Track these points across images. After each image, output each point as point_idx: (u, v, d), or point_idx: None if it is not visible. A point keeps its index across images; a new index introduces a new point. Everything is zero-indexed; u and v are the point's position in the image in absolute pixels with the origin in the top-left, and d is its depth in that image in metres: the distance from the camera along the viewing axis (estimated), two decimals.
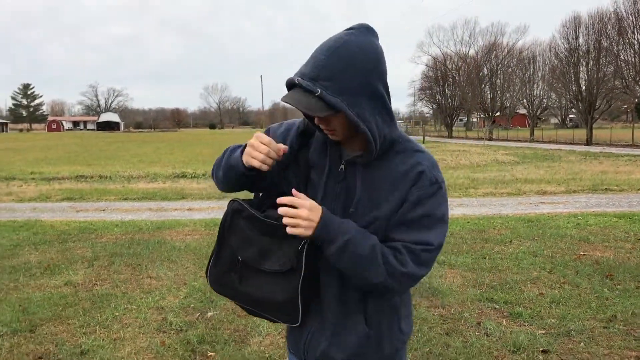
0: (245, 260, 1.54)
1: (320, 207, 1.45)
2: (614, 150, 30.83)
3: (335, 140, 1.56)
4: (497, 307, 4.69)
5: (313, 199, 1.47)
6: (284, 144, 1.56)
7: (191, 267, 6.10)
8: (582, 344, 3.89)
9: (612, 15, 36.05)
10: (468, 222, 8.73)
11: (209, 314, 4.58)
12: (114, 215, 10.19)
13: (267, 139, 1.46)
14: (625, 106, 55.60)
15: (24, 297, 5.09)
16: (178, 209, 11.02)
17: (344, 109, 1.37)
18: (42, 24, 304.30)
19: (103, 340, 4.05)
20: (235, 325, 4.32)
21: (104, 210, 11.00)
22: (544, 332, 4.12)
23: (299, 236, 1.42)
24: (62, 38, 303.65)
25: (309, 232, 1.41)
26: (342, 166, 1.56)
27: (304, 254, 1.45)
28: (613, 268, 5.81)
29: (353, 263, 1.44)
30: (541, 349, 3.80)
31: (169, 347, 3.91)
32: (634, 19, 33.75)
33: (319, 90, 1.36)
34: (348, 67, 1.38)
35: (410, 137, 1.60)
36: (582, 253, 6.54)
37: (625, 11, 34.53)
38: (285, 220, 1.42)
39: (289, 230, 1.41)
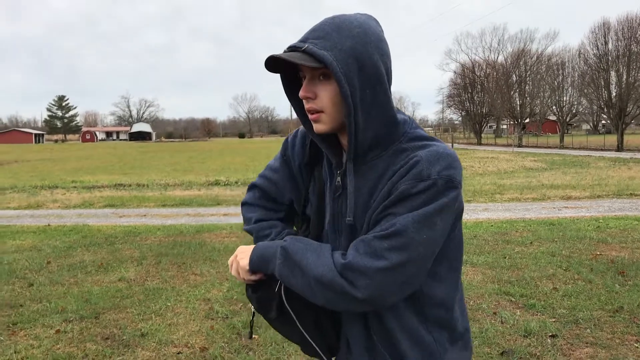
0: (258, 309, 1.52)
1: (250, 246, 1.45)
2: None
3: (330, 150, 1.42)
4: (513, 299, 5.11)
5: (322, 224, 1.48)
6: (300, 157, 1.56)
7: None
8: (588, 330, 4.29)
9: None
10: (492, 226, 9.11)
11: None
12: (155, 220, 10.83)
13: (236, 264, 1.45)
14: None
15: (84, 290, 5.68)
16: (214, 214, 11.62)
17: (330, 63, 1.22)
18: (77, 34, 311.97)
19: (159, 325, 4.60)
20: None
21: (144, 215, 11.66)
22: (554, 320, 4.53)
23: (245, 281, 1.45)
24: (94, 48, 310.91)
25: (243, 262, 1.42)
26: (338, 179, 1.42)
27: (283, 297, 1.39)
28: (626, 266, 6.16)
29: (298, 266, 1.31)
30: (550, 334, 4.22)
31: (217, 330, 4.44)
32: None
33: (307, 45, 1.26)
34: (341, 29, 1.26)
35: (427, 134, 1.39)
36: (598, 253, 6.90)
37: None
38: (231, 271, 1.47)
39: (232, 272, 1.47)
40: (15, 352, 4.06)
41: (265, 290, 1.43)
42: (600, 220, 9.35)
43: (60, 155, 48.23)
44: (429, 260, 1.30)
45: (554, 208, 11.31)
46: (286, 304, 1.39)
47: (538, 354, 3.87)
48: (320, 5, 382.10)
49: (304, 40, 1.28)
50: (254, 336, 4.28)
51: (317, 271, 1.27)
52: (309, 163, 1.54)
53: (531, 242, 7.66)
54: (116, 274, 6.36)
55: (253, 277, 1.41)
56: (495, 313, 4.73)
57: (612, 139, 41.97)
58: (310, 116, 1.35)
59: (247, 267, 1.40)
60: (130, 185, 18.34)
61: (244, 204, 1.67)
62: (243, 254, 1.43)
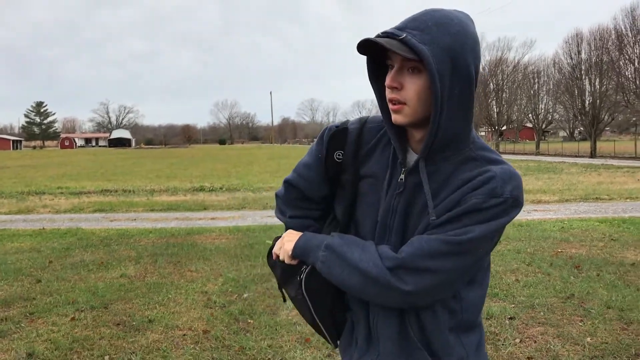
0: (279, 280, 1.60)
1: (299, 233, 1.50)
2: (615, 162, 31.72)
3: (400, 145, 1.42)
4: None
5: (366, 217, 1.49)
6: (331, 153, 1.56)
7: (223, 263, 7.17)
8: (541, 313, 4.93)
9: (612, 31, 37.12)
10: None
11: (245, 295, 5.66)
12: (145, 224, 11.30)
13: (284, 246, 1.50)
14: (635, 119, 56.41)
15: (90, 285, 6.19)
16: (202, 218, 12.12)
17: (427, 58, 1.23)
18: (55, 42, 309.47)
19: (164, 313, 5.14)
20: (267, 302, 5.40)
21: (134, 219, 12.12)
22: (513, 306, 5.16)
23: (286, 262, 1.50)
24: (74, 55, 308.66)
25: (287, 246, 1.48)
26: (402, 176, 1.42)
27: (303, 282, 1.47)
28: (582, 261, 6.83)
29: (343, 259, 1.37)
30: (509, 316, 4.84)
31: (216, 316, 4.99)
32: (633, 36, 34.78)
33: (405, 34, 1.26)
34: (441, 25, 1.27)
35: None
36: (559, 250, 7.57)
37: (624, 27, 35.61)
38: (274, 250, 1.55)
39: (274, 254, 1.55)
40: (37, 336, 4.57)
41: (293, 273, 1.51)
42: (565, 222, 10.07)
43: (40, 161, 48.09)
44: (475, 267, 1.40)
45: (524, 211, 12.01)
46: (305, 293, 1.47)
47: (497, 332, 4.49)
48: (303, 12, 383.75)
49: (401, 28, 1.28)
50: (249, 320, 4.84)
51: (362, 265, 1.33)
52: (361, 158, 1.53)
53: (500, 241, 8.29)
54: (117, 271, 6.86)
55: (293, 262, 1.48)
56: None
57: (587, 146, 43.21)
58: (391, 106, 1.35)
59: (290, 253, 1.46)
60: (116, 191, 18.73)
61: (277, 196, 1.70)
62: (290, 238, 1.49)
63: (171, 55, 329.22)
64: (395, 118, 1.35)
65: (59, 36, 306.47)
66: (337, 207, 1.58)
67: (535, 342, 4.28)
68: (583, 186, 17.07)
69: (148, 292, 5.86)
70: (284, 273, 1.55)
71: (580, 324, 4.64)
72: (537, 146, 52.15)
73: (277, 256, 1.52)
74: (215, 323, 4.84)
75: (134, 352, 4.22)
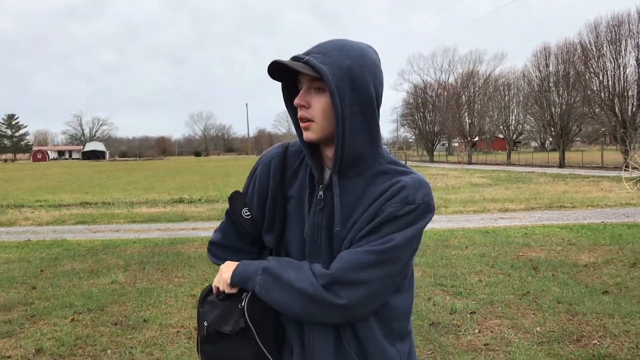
0: (210, 324, 1.53)
1: (235, 262, 1.53)
2: (582, 172, 32.77)
3: (314, 163, 1.51)
4: (445, 289, 6.29)
5: (294, 237, 1.54)
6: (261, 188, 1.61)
7: (208, 270, 7.62)
8: (499, 308, 5.49)
9: (578, 46, 38.48)
10: (435, 234, 10.35)
11: None
12: (129, 235, 11.68)
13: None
14: (604, 129, 58.10)
15: (84, 290, 6.59)
16: (183, 228, 12.54)
17: (326, 76, 1.36)
18: (26, 53, 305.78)
19: (157, 314, 5.59)
20: None
21: (117, 231, 12.48)
22: (475, 302, 5.72)
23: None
24: (45, 67, 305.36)
25: (225, 275, 1.50)
26: (321, 192, 1.50)
27: (245, 309, 1.46)
28: (540, 263, 7.44)
29: (279, 281, 1.41)
30: (470, 311, 5.40)
31: None
32: (597, 50, 36.11)
33: (308, 57, 1.40)
34: (341, 50, 1.40)
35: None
36: (521, 254, 8.18)
37: (589, 42, 36.94)
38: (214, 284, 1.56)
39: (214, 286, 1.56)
40: (42, 335, 4.98)
41: (233, 308, 1.50)
42: (529, 229, 10.72)
43: (13, 175, 47.70)
44: (401, 275, 1.47)
45: (491, 219, 12.69)
46: (248, 320, 1.46)
47: (459, 324, 5.03)
48: (276, 26, 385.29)
49: (307, 53, 1.42)
50: None
51: (297, 284, 1.38)
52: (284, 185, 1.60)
53: (466, 247, 8.91)
54: (107, 278, 7.27)
55: (233, 291, 1.50)
56: (429, 298, 5.89)
57: (556, 156, 44.42)
58: (301, 124, 1.46)
59: (229, 281, 1.49)
60: (96, 204, 19.00)
61: (211, 244, 1.71)
62: (227, 268, 1.53)
63: (144, 67, 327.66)
64: (306, 135, 1.46)
65: (28, 48, 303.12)
66: (266, 236, 1.62)
67: (491, 332, 4.84)
68: (549, 195, 17.85)
69: (140, 296, 6.29)
70: (225, 309, 1.51)
71: (532, 316, 5.21)
72: (509, 156, 53.43)
73: (217, 289, 1.54)
74: None
75: (133, 347, 4.66)
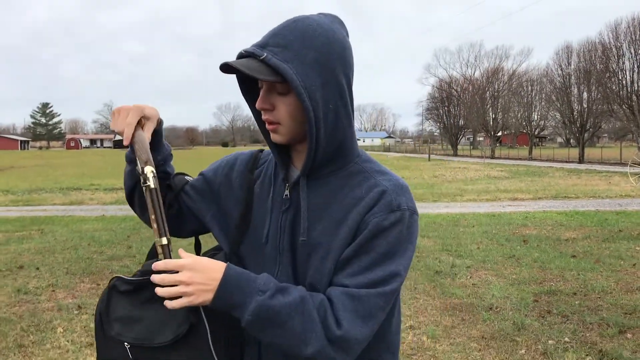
0: (133, 344, 1.23)
1: (221, 264, 1.17)
2: (599, 167, 33.94)
3: (281, 160, 1.34)
4: (450, 253, 8.10)
5: (255, 238, 1.35)
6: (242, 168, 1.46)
7: None
8: (489, 265, 7.30)
9: (598, 45, 39.62)
10: (448, 216, 12.14)
11: None
12: None
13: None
14: (618, 126, 58.69)
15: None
16: None
17: (291, 77, 1.15)
18: (58, 43, 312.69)
19: None
20: None
21: None
22: (471, 261, 7.53)
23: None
24: (76, 56, 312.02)
25: (201, 299, 1.14)
26: (287, 192, 1.32)
27: (202, 312, 1.20)
28: (530, 237, 9.21)
29: (280, 329, 1.15)
30: (466, 266, 7.22)
31: None
32: (616, 50, 37.28)
33: (265, 54, 1.17)
34: (304, 39, 1.19)
35: (374, 158, 1.37)
36: (517, 231, 9.95)
37: (609, 42, 38.11)
38: (159, 292, 1.13)
39: (168, 304, 1.13)
40: None
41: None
42: (530, 214, 12.44)
43: (53, 162, 50.07)
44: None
45: (500, 206, 14.40)
46: (202, 312, 1.20)
47: (456, 273, 6.86)
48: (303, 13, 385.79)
49: (263, 45, 1.20)
50: None
51: (303, 336, 1.15)
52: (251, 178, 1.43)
53: (473, 226, 10.68)
54: (185, 241, 9.19)
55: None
56: (436, 258, 7.72)
57: (577, 152, 45.50)
58: (267, 126, 1.28)
59: (210, 301, 1.15)
60: None
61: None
62: (205, 282, 1.15)
63: (173, 57, 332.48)
64: (274, 137, 1.29)
65: (58, 37, 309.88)
66: (223, 237, 1.44)
67: (479, 278, 6.66)
68: (558, 187, 19.42)
69: None
70: (156, 315, 1.22)
71: (512, 269, 7.03)
72: (530, 152, 54.59)
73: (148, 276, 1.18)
74: None
75: None
